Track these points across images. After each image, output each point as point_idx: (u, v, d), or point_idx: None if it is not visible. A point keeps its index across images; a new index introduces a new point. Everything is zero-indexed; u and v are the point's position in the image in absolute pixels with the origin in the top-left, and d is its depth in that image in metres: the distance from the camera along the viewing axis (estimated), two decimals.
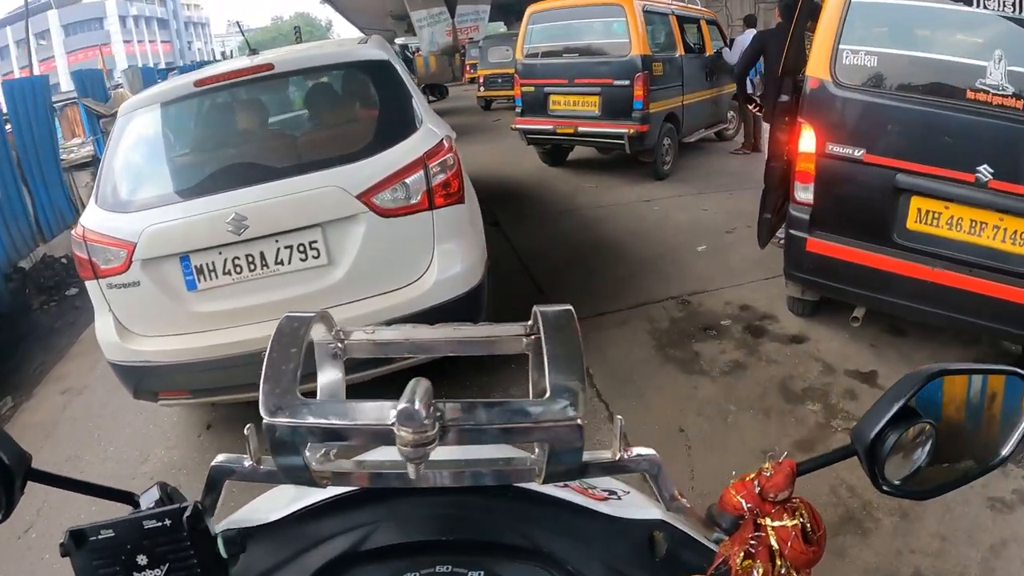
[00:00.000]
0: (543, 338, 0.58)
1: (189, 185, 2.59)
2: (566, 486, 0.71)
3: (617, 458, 0.60)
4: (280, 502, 0.72)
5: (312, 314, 0.63)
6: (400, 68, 2.85)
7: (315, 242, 2.43)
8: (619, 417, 0.61)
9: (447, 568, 0.63)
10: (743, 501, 0.59)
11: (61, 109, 9.06)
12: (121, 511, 0.64)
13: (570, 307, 0.63)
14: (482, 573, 0.62)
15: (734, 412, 2.80)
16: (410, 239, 2.51)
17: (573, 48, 6.58)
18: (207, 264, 2.40)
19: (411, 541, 0.65)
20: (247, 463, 0.61)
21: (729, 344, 3.36)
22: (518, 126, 6.93)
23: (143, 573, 0.58)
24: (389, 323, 2.06)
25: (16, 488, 0.58)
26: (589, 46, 6.50)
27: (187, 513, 0.58)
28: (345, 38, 5.74)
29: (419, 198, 2.47)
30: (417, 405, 0.49)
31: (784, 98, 3.32)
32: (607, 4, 6.19)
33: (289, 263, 2.44)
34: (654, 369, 3.20)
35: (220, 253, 2.39)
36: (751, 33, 7.75)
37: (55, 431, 3.24)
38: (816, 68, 2.87)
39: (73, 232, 2.53)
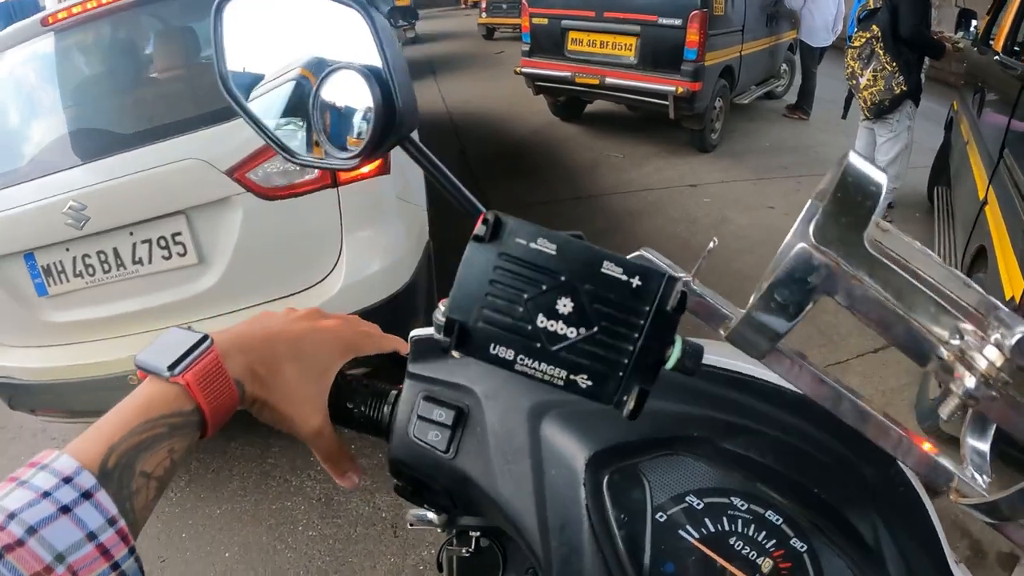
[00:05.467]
0: None
1: (22, 164, 2.10)
2: None
3: None
4: None
5: None
6: None
7: (179, 235, 1.95)
8: None
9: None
10: None
11: None
12: None
13: None
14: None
15: None
16: (307, 228, 1.99)
17: None
18: (55, 264, 1.98)
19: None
20: None
21: None
22: (524, 70, 5.32)
23: (553, 322, 0.39)
24: None
25: (390, 138, 0.49)
26: None
27: (666, 278, 0.38)
28: None
29: (317, 171, 1.89)
30: None
31: None
32: None
33: (150, 262, 1.98)
34: None
35: (67, 250, 1.95)
36: None
37: None
38: None
39: None
